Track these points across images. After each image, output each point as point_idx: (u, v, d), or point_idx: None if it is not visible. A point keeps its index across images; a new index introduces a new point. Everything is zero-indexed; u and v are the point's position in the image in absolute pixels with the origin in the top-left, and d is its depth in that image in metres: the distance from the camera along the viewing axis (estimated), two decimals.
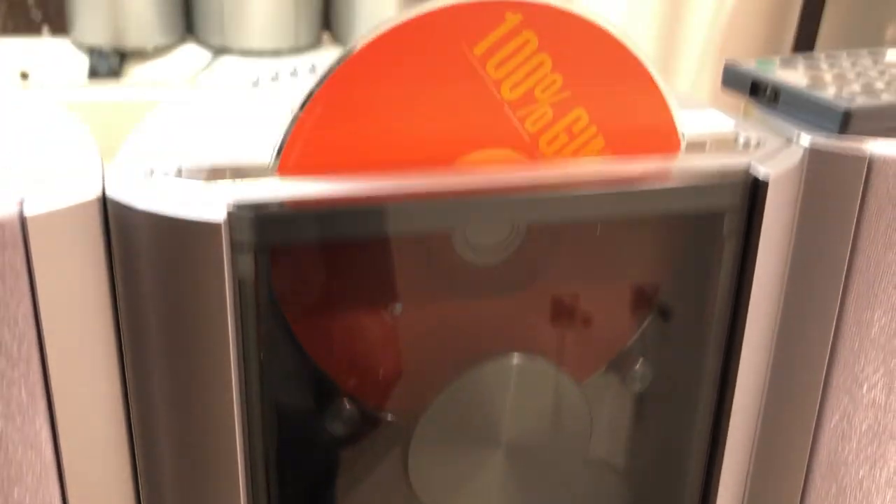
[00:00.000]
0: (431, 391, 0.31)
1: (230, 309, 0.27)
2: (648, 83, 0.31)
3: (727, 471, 0.36)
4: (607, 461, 0.36)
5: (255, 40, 1.46)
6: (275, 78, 0.38)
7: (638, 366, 0.34)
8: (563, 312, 0.33)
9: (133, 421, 0.29)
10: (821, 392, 0.36)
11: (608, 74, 0.31)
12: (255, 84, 0.37)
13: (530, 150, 0.30)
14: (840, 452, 0.37)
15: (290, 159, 0.28)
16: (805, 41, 1.06)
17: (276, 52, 1.45)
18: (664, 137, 0.32)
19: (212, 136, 0.32)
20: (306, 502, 0.33)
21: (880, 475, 0.38)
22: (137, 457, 0.30)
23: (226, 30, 1.44)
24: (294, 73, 0.39)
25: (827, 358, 0.36)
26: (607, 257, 0.33)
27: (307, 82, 0.28)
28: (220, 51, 1.46)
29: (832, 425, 0.37)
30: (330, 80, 0.28)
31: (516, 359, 0.32)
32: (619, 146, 0.31)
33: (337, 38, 1.51)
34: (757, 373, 0.35)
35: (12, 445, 0.27)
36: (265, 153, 0.30)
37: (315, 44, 1.49)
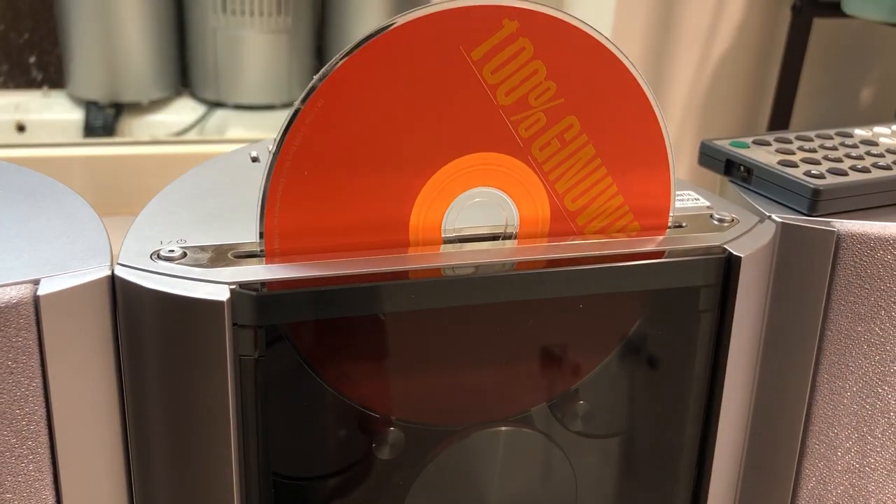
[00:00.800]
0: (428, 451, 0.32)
1: (231, 383, 0.28)
2: (639, 95, 0.32)
3: None
4: None
5: (249, 95, 1.48)
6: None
7: (578, 405, 0.35)
8: (544, 374, 0.34)
9: (136, 494, 0.30)
10: (797, 458, 0.38)
11: (600, 85, 0.32)
12: (255, 160, 0.39)
13: (523, 156, 0.32)
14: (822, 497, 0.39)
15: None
16: (779, 120, 1.10)
17: (269, 107, 1.48)
18: (653, 149, 0.33)
19: (216, 213, 0.34)
20: None
21: None
22: None
23: (221, 85, 1.47)
24: None
25: (802, 424, 0.38)
26: (585, 326, 0.35)
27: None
28: (214, 105, 1.49)
29: (808, 489, 0.38)
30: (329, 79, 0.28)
31: (504, 428, 0.33)
32: (608, 155, 0.32)
33: None
34: (734, 440, 0.37)
35: None
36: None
37: None
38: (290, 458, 0.31)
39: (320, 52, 1.53)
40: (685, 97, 1.24)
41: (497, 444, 0.33)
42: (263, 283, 0.28)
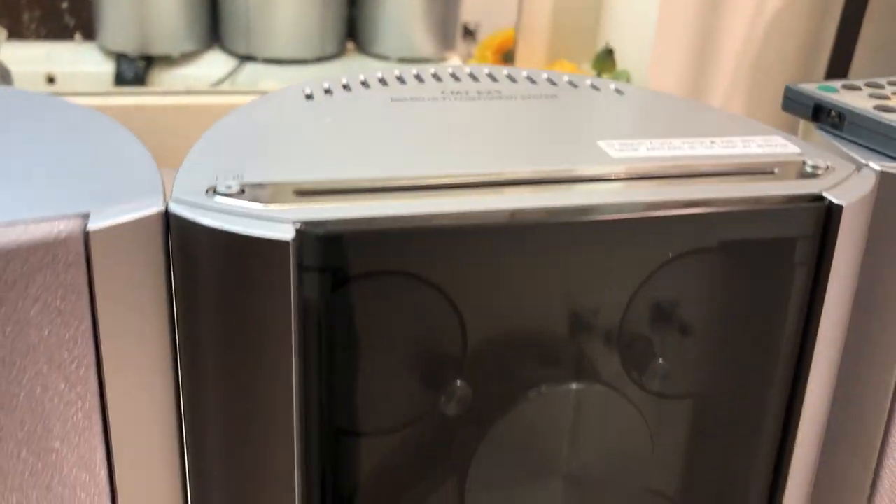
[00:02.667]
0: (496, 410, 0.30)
1: (295, 332, 0.26)
2: None
3: (791, 500, 0.34)
4: (666, 491, 0.35)
5: (281, 49, 1.45)
6: (328, 91, 0.37)
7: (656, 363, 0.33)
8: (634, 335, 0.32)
9: (187, 443, 0.28)
10: (883, 428, 0.35)
11: None
12: (309, 98, 0.37)
13: None
14: None
15: None
16: (838, 66, 1.05)
17: (301, 61, 1.45)
18: None
19: (272, 150, 0.31)
20: None
21: None
22: (190, 479, 0.29)
23: (251, 38, 1.44)
24: (347, 87, 0.38)
25: (893, 386, 0.35)
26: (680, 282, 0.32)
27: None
28: (245, 58, 1.46)
29: (893, 461, 0.36)
30: None
31: (575, 386, 0.31)
32: None
33: (361, 48, 1.51)
34: (822, 405, 0.34)
35: (67, 466, 0.26)
36: (327, 170, 0.30)
37: (340, 53, 1.49)
38: (352, 410, 0.29)
39: (353, 3, 1.49)
40: (739, 50, 1.19)
41: (569, 402, 0.31)
42: (332, 222, 0.26)
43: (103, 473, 0.27)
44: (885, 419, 0.35)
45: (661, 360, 0.32)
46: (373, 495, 0.31)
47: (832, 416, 0.36)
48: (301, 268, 0.26)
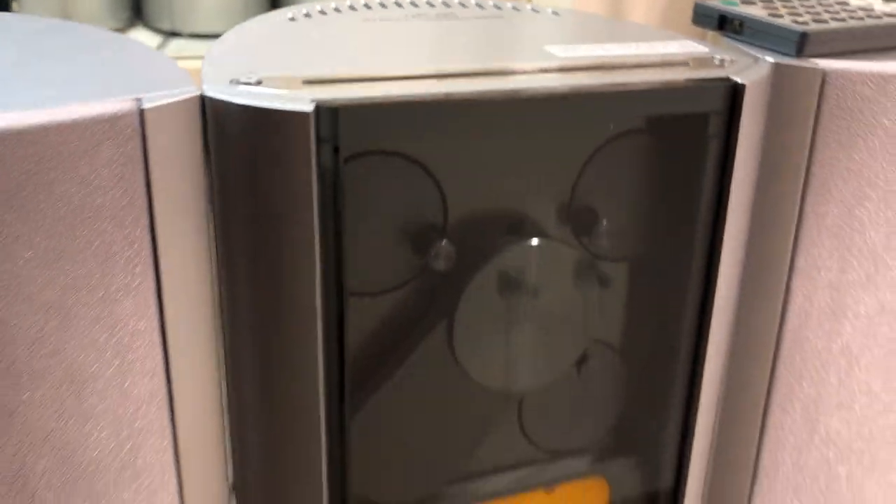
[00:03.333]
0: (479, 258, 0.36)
1: (315, 198, 0.31)
2: None
3: (713, 343, 0.42)
4: (611, 342, 0.42)
5: (205, 24, 1.48)
6: (308, 15, 0.43)
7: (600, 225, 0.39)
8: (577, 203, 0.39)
9: (223, 297, 0.34)
10: (787, 274, 0.43)
11: None
12: (293, 20, 0.42)
13: None
14: (803, 328, 0.44)
15: None
16: None
17: None
18: None
19: (276, 55, 0.37)
20: (375, 376, 0.37)
21: (835, 347, 0.44)
22: (225, 329, 0.34)
23: (175, 14, 1.46)
24: (323, 12, 0.43)
25: (791, 245, 0.43)
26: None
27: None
28: (169, 34, 1.48)
29: (797, 304, 0.44)
30: None
31: (537, 242, 0.37)
32: None
33: None
34: (735, 261, 0.41)
35: (126, 315, 0.31)
36: (325, 67, 0.35)
37: None
38: (359, 272, 0.35)
39: None
40: None
41: (532, 257, 0.38)
42: (341, 100, 0.31)
43: (156, 323, 0.32)
44: (787, 264, 0.43)
45: (604, 222, 0.39)
46: (378, 346, 0.37)
47: (747, 263, 0.43)
48: (319, 139, 0.31)
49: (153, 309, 0.32)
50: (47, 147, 0.28)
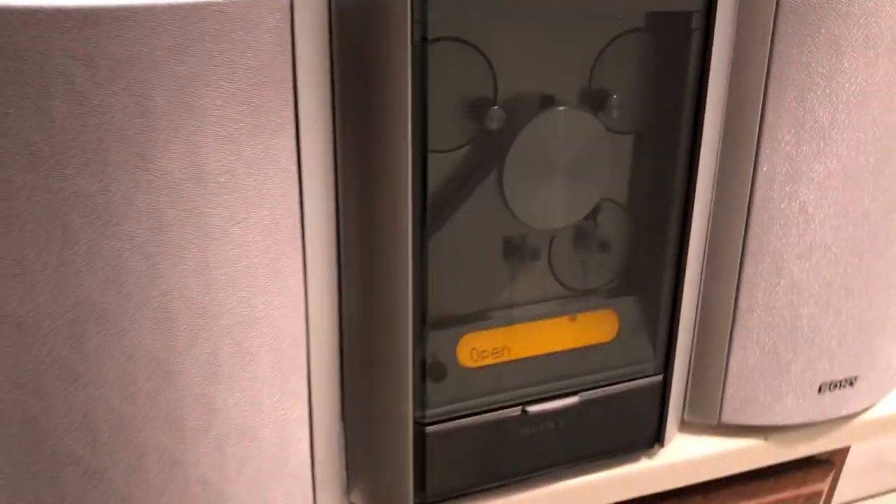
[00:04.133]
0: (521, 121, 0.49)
1: (410, 69, 0.43)
2: None
3: (698, 203, 0.54)
4: (618, 200, 0.54)
5: None
6: None
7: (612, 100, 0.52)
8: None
9: (337, 153, 0.46)
10: (755, 149, 0.55)
11: None
12: None
13: None
14: (768, 191, 0.56)
15: None
16: None
17: None
18: None
19: None
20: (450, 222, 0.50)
21: (794, 206, 0.57)
22: (338, 182, 0.47)
23: None
24: None
25: (758, 126, 0.55)
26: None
27: None
28: None
29: (763, 172, 0.56)
30: None
31: (565, 108, 0.50)
32: None
33: None
34: (714, 135, 0.54)
35: (259, 161, 0.43)
36: None
37: None
38: (435, 132, 0.47)
39: None
40: None
41: (562, 121, 0.50)
42: None
43: (293, 166, 0.44)
44: (755, 141, 0.55)
45: (615, 97, 0.51)
46: (448, 192, 0.49)
47: (724, 139, 0.55)
48: (412, 20, 0.43)
49: (289, 152, 0.44)
50: (227, 17, 0.40)
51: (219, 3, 0.39)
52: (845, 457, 0.75)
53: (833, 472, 0.73)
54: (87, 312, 0.42)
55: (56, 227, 0.40)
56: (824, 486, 0.73)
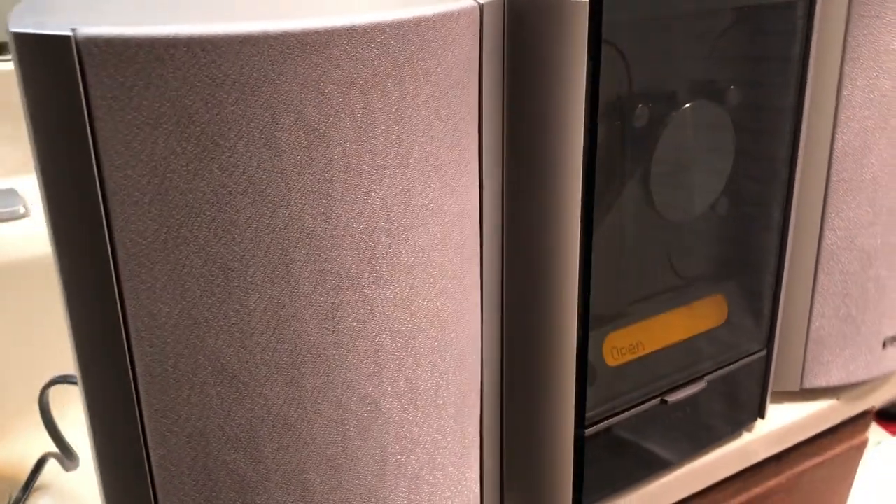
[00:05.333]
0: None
1: (585, 66, 0.43)
2: None
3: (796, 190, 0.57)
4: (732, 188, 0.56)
5: None
6: None
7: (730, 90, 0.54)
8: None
9: (509, 154, 0.45)
10: (832, 128, 0.59)
11: None
12: None
13: None
14: (843, 162, 0.60)
15: None
16: None
17: None
18: None
19: None
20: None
21: (866, 176, 0.61)
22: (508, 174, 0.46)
23: None
24: None
25: (834, 101, 0.59)
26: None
27: None
28: None
29: (839, 147, 0.60)
30: None
31: (699, 103, 0.51)
32: None
33: None
34: (806, 118, 0.57)
35: (455, 177, 0.42)
36: None
37: None
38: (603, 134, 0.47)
39: None
40: None
41: (696, 116, 0.51)
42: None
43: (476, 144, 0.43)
44: (832, 124, 0.59)
45: (732, 88, 0.53)
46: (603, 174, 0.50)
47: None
48: (590, 25, 0.43)
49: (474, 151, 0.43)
50: (437, 32, 0.39)
51: (431, 18, 0.38)
52: (875, 408, 0.81)
53: (871, 420, 0.79)
54: (303, 354, 0.39)
55: (279, 267, 0.37)
56: (867, 436, 0.78)
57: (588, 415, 0.52)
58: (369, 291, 0.40)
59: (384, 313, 0.41)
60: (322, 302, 0.39)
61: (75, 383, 0.59)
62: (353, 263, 0.39)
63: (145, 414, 0.37)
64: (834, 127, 0.59)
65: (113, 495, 0.39)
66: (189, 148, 0.34)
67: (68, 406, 0.65)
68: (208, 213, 0.35)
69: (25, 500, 0.58)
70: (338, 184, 0.37)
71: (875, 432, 1.49)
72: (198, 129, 0.34)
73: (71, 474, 0.61)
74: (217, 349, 0.38)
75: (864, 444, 0.77)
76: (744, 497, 0.69)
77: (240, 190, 0.36)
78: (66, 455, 0.60)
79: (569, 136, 0.45)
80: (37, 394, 0.60)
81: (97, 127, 0.33)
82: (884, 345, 0.67)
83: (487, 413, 0.50)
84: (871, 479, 1.29)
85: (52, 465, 0.61)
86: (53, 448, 0.61)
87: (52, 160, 0.34)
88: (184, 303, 0.36)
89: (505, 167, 0.46)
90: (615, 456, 0.55)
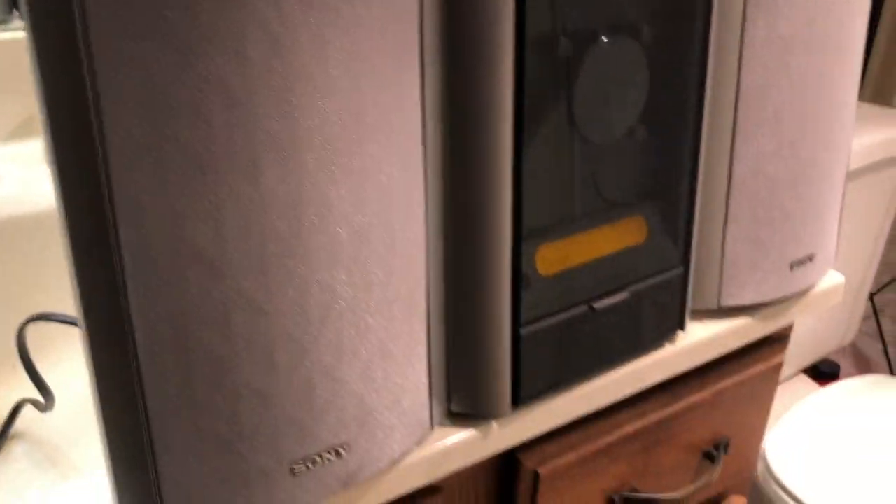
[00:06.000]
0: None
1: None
2: None
3: (706, 111, 0.64)
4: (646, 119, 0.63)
5: None
6: None
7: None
8: None
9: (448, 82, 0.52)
10: (739, 41, 0.66)
11: None
12: None
13: None
14: (748, 98, 0.67)
15: None
16: None
17: None
18: None
19: None
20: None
21: (769, 109, 0.68)
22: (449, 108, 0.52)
23: None
24: None
25: (741, 18, 0.66)
26: None
27: None
28: None
29: (745, 81, 0.67)
30: None
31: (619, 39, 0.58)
32: None
33: None
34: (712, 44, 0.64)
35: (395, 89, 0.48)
36: None
37: None
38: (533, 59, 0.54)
39: None
40: None
41: (613, 49, 0.58)
42: None
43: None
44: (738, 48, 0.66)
45: (646, 25, 0.60)
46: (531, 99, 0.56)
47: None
48: None
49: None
50: None
51: None
52: (791, 331, 0.89)
53: (786, 345, 0.87)
54: (270, 244, 0.45)
55: (248, 164, 0.43)
56: (782, 358, 0.86)
57: (524, 317, 0.59)
58: (326, 190, 0.46)
59: (340, 210, 0.47)
60: (285, 197, 0.45)
61: (52, 321, 0.63)
62: (312, 164, 0.45)
63: (130, 291, 0.43)
64: (739, 65, 0.66)
65: (100, 369, 0.45)
66: (171, 56, 0.40)
67: (47, 348, 0.69)
68: (187, 114, 0.41)
69: (0, 448, 0.59)
70: (298, 91, 0.43)
71: (811, 387, 1.59)
72: (178, 39, 0.40)
73: (46, 422, 0.62)
74: (194, 237, 0.43)
75: (779, 366, 0.85)
76: (670, 410, 0.77)
77: (214, 95, 0.41)
78: (43, 395, 0.61)
79: (500, 66, 0.51)
80: (10, 346, 0.61)
81: (91, 34, 0.39)
82: (791, 267, 0.75)
83: (434, 314, 0.56)
84: (804, 425, 1.39)
85: (28, 412, 0.62)
86: (28, 395, 0.62)
87: (49, 65, 0.39)
88: (165, 194, 0.42)
89: (445, 93, 0.52)
90: (550, 356, 0.61)
